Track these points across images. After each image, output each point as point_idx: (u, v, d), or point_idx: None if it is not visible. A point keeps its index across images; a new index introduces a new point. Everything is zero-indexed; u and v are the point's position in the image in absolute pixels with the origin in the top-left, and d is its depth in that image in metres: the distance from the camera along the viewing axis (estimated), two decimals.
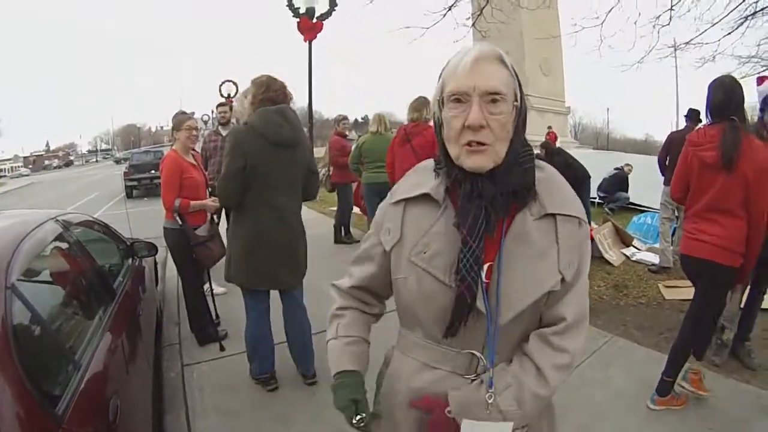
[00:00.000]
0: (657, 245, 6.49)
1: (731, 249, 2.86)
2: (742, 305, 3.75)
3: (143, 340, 2.87)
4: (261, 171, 3.03)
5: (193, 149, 4.21)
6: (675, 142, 6.01)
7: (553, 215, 1.13)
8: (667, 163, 6.24)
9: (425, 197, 1.19)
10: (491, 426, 1.11)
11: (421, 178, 1.24)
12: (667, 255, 6.17)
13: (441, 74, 1.15)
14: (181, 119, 4.07)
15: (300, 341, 3.43)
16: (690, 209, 3.14)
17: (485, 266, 1.12)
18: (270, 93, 3.11)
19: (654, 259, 6.43)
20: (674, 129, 8.25)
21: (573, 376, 3.47)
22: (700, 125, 5.78)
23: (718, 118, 2.93)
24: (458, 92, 1.07)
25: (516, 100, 1.10)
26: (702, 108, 3.13)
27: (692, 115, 6.41)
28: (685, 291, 4.76)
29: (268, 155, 3.03)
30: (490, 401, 1.10)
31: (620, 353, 3.93)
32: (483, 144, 1.07)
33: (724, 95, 2.93)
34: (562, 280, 1.12)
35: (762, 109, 3.47)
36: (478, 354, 1.16)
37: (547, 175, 1.18)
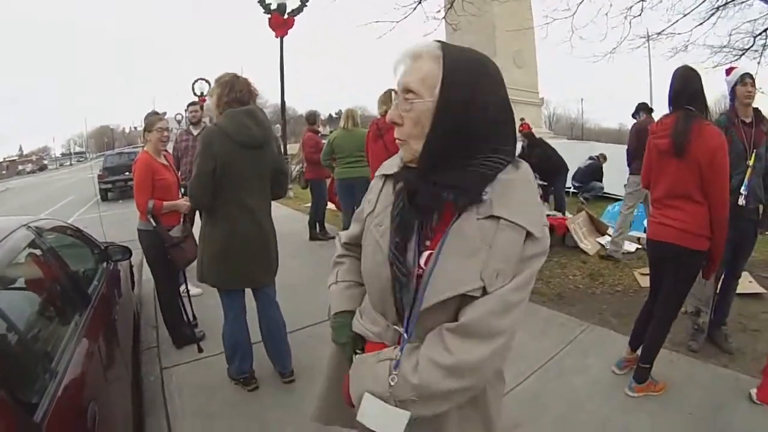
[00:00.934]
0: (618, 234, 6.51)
1: (694, 232, 2.93)
2: (717, 290, 3.83)
3: (120, 345, 2.85)
4: (231, 172, 3.03)
5: (165, 150, 4.17)
6: (642, 132, 6.07)
7: (498, 218, 1.12)
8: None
9: (390, 178, 1.30)
10: (386, 409, 1.16)
11: (398, 159, 1.29)
12: (618, 245, 6.30)
13: None
14: (151, 120, 4.04)
15: (276, 338, 3.43)
16: (653, 196, 3.27)
17: (426, 254, 1.18)
18: (235, 93, 3.10)
19: (630, 247, 6.55)
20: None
21: (551, 366, 3.55)
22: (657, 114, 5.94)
23: (675, 106, 3.06)
24: (397, 87, 1.18)
25: (431, 97, 1.11)
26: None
27: (642, 107, 6.70)
28: None
29: (238, 157, 3.02)
30: (392, 383, 1.15)
31: (598, 341, 3.98)
32: (401, 140, 1.19)
33: (679, 85, 3.05)
34: (484, 289, 1.11)
35: (731, 98, 3.61)
36: (401, 331, 1.21)
37: (512, 178, 1.17)
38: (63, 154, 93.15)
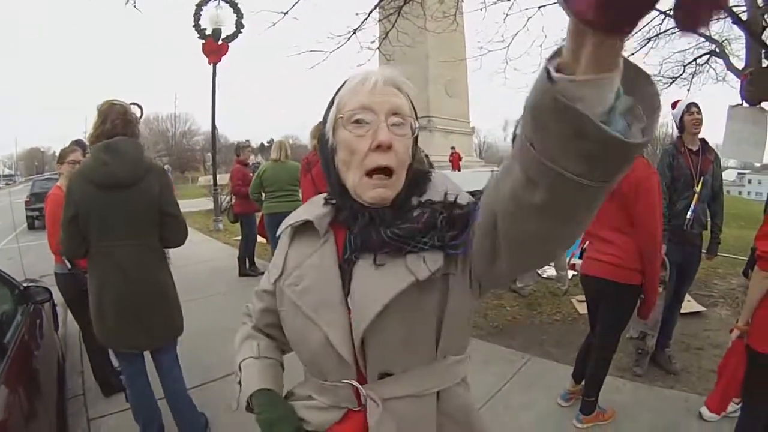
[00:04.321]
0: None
1: (626, 266, 2.96)
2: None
3: (44, 396, 2.63)
4: (94, 219, 2.62)
5: None
6: None
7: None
8: None
9: (308, 225, 1.12)
10: None
11: (311, 207, 1.17)
12: (526, 281, 6.15)
13: (337, 94, 1.08)
14: (64, 151, 3.73)
15: (178, 408, 3.04)
16: (588, 230, 3.25)
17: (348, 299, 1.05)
18: (107, 125, 2.68)
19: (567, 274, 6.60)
20: None
21: (495, 402, 3.54)
22: None
23: None
24: (364, 109, 1.02)
25: (414, 125, 1.08)
26: None
27: None
28: None
29: (98, 200, 2.61)
30: None
31: (540, 373, 3.99)
32: (389, 174, 1.02)
33: None
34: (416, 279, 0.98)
35: (679, 129, 3.81)
36: (356, 384, 1.05)
37: (435, 179, 1.14)
38: None
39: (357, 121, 1.02)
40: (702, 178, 3.74)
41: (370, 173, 1.02)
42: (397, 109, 1.03)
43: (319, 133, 1.17)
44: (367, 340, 1.01)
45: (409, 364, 1.04)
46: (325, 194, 1.17)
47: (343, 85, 1.08)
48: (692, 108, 3.74)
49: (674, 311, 4.04)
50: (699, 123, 3.75)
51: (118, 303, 2.69)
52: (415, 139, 1.10)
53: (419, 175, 1.13)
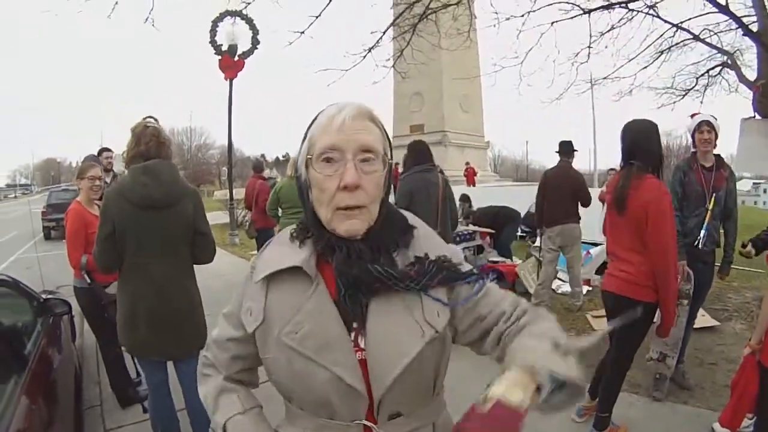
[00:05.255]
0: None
1: (642, 284, 2.96)
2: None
3: (61, 406, 2.69)
4: (130, 236, 2.74)
5: (98, 200, 3.80)
6: (549, 181, 6.11)
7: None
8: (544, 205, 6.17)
9: (294, 271, 1.07)
10: None
11: (286, 248, 1.13)
12: (540, 296, 6.02)
13: (308, 131, 1.08)
14: (83, 167, 3.81)
15: (198, 420, 3.05)
16: (607, 248, 3.34)
17: (351, 334, 1.06)
18: (141, 147, 2.79)
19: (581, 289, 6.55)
20: (593, 159, 8.50)
21: None
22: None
23: (623, 161, 3.16)
24: (331, 149, 1.02)
25: (387, 157, 1.07)
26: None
27: (564, 149, 6.21)
28: None
29: (135, 219, 2.72)
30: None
31: None
32: (358, 207, 1.03)
33: (624, 140, 3.15)
34: (436, 332, 1.05)
35: (693, 143, 3.81)
36: (369, 424, 1.06)
37: (421, 232, 1.17)
38: (8, 185, 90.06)
39: (326, 160, 1.02)
40: (714, 195, 3.68)
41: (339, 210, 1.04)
42: (366, 146, 1.02)
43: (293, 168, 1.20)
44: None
45: (416, 405, 1.10)
46: (290, 230, 1.16)
47: (315, 119, 1.08)
48: (703, 127, 3.71)
49: (687, 328, 3.92)
50: (708, 142, 3.71)
51: (150, 315, 2.78)
52: (389, 171, 1.09)
53: (398, 219, 1.15)
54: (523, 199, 10.17)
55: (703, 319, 4.94)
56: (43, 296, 3.64)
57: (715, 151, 3.79)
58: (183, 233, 2.87)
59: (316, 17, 7.76)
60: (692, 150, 3.89)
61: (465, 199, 8.91)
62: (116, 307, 3.05)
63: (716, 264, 3.94)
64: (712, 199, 3.68)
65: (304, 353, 1.03)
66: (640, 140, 3.08)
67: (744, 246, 3.55)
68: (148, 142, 2.79)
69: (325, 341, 1.03)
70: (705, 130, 3.70)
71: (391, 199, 1.18)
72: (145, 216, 2.72)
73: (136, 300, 2.80)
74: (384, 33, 8.27)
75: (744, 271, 6.98)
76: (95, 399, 4.07)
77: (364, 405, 1.05)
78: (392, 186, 1.15)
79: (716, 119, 3.77)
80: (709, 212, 3.68)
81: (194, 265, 3.01)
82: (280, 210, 6.37)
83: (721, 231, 3.90)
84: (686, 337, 3.94)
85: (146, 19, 7.35)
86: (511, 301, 1.17)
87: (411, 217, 1.19)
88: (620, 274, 3.06)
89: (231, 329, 1.20)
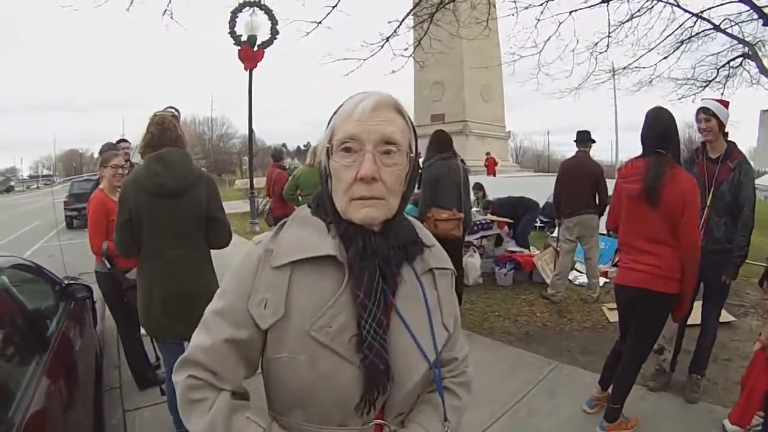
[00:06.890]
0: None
1: (666, 276, 2.90)
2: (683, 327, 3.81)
3: (81, 388, 2.74)
4: (145, 223, 2.86)
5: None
6: (567, 172, 6.11)
7: (431, 270, 1.13)
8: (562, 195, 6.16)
9: (327, 259, 1.01)
10: None
11: (311, 233, 1.05)
12: (556, 287, 6.05)
13: (331, 119, 1.05)
14: (107, 156, 3.91)
15: None
16: (622, 240, 3.22)
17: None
18: (147, 135, 2.93)
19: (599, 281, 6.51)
20: (613, 150, 8.43)
21: (519, 407, 3.52)
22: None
23: (645, 149, 3.01)
24: (351, 139, 0.98)
25: (411, 152, 1.04)
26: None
27: (581, 138, 6.15)
28: None
29: (149, 207, 2.83)
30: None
31: (566, 380, 3.97)
32: (374, 198, 0.99)
33: (647, 128, 3.01)
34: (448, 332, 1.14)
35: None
36: (385, 423, 1.07)
37: (420, 232, 1.17)
38: (31, 176, 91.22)
39: (345, 149, 0.99)
40: (712, 190, 3.42)
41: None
42: (387, 138, 0.99)
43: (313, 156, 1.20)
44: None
45: (413, 404, 1.15)
46: (308, 210, 1.12)
47: (340, 107, 1.04)
48: (700, 114, 3.46)
49: (708, 332, 3.68)
50: (707, 131, 3.43)
51: (164, 297, 2.90)
52: (414, 166, 1.06)
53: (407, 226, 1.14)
54: (542, 189, 10.11)
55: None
56: (65, 281, 3.71)
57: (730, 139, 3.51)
58: (196, 219, 2.96)
59: (333, 7, 7.77)
60: (701, 140, 3.59)
61: (479, 187, 8.86)
62: (135, 292, 3.17)
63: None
64: (711, 194, 3.43)
65: (336, 350, 0.97)
66: (671, 129, 2.98)
67: (761, 284, 3.25)
68: (162, 132, 2.92)
69: (354, 334, 0.99)
70: (702, 118, 3.44)
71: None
72: (159, 203, 2.83)
73: (152, 284, 2.91)
74: (401, 22, 8.27)
75: (762, 267, 6.86)
76: (115, 381, 4.16)
77: (382, 399, 1.04)
78: (416, 181, 1.10)
79: (722, 104, 3.48)
80: (707, 208, 3.43)
81: (212, 251, 3.10)
82: (299, 198, 6.43)
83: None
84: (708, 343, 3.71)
85: (164, 12, 7.43)
86: (465, 351, 1.27)
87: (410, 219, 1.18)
88: (643, 268, 2.97)
89: (230, 329, 1.02)
